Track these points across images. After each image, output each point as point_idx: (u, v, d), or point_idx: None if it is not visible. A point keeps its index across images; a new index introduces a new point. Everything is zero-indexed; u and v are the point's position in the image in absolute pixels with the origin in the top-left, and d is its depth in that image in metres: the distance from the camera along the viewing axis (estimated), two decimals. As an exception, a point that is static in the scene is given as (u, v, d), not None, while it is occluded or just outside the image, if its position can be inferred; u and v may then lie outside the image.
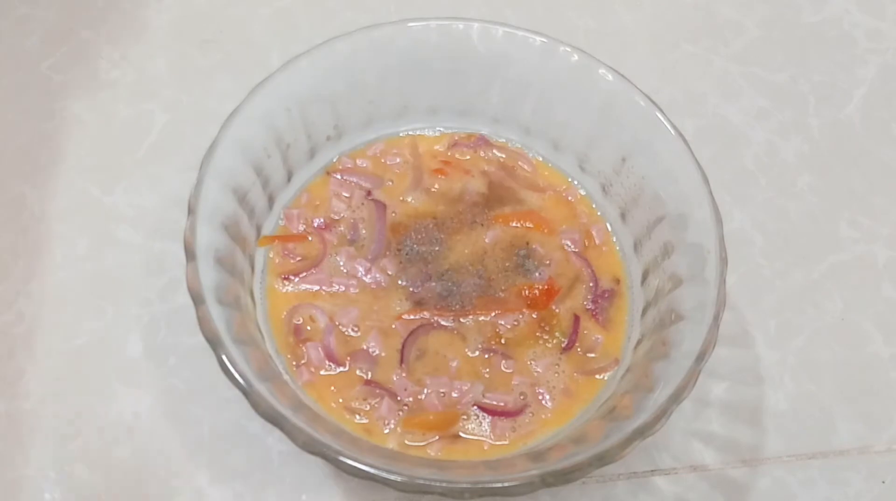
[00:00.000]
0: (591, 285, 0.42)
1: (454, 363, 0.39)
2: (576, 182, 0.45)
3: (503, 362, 0.39)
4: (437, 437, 0.38)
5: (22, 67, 0.51)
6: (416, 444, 0.37)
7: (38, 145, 0.48)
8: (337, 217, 0.43)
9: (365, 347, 0.39)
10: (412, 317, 0.40)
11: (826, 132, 0.51)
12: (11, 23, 0.52)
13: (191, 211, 0.36)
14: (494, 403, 0.39)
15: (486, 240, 0.43)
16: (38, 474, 0.39)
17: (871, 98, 0.52)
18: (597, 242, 0.43)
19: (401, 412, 0.38)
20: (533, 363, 0.40)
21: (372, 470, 0.32)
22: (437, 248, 0.42)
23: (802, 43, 0.54)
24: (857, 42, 0.55)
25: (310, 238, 0.42)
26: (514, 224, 0.43)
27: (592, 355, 0.40)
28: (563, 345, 0.40)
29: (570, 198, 0.45)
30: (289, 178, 0.43)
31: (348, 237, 0.42)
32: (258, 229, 0.41)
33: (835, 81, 0.53)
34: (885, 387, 0.44)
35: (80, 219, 0.46)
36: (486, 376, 0.39)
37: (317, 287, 0.41)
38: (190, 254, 0.35)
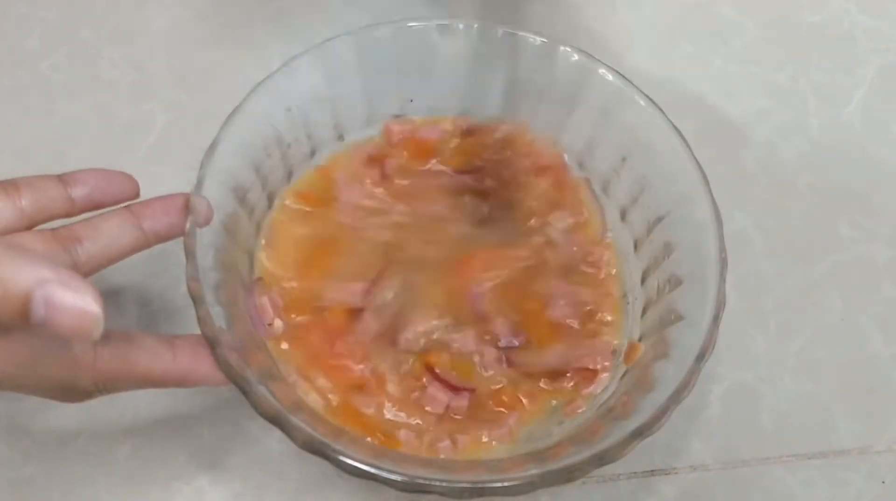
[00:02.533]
0: None
1: None
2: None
3: None
4: None
5: (22, 67, 0.51)
6: None
7: (38, 145, 0.48)
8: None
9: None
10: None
11: (826, 132, 0.51)
12: (11, 23, 0.52)
13: (191, 210, 0.36)
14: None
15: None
16: (38, 474, 0.39)
17: (871, 98, 0.52)
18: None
19: None
20: None
21: (372, 470, 0.32)
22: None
23: (802, 43, 0.54)
24: (857, 42, 0.55)
25: None
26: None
27: None
28: None
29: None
30: (288, 177, 0.43)
31: None
32: (257, 227, 0.41)
33: (835, 81, 0.53)
34: (885, 387, 0.44)
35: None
36: None
37: None
38: (189, 253, 0.35)
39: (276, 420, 0.33)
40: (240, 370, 0.33)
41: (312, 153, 0.43)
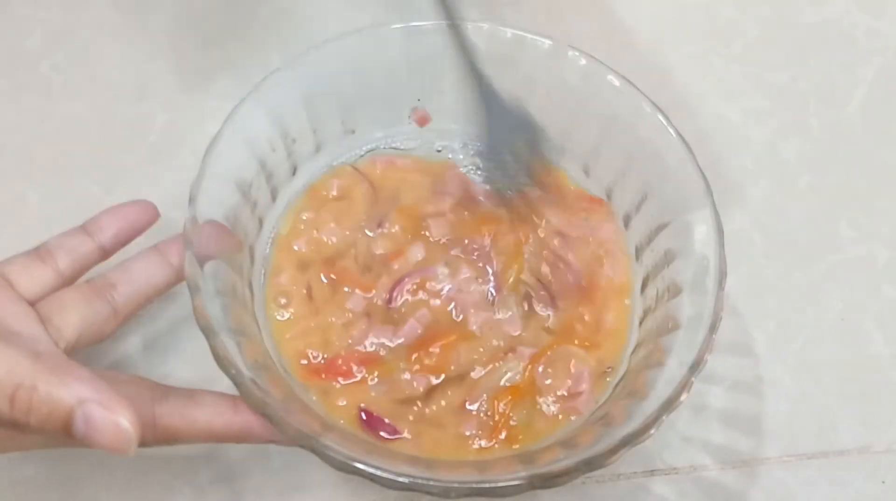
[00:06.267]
0: None
1: None
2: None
3: None
4: None
5: (22, 67, 0.51)
6: None
7: (38, 145, 0.48)
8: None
9: None
10: None
11: (826, 132, 0.51)
12: (11, 23, 0.52)
13: (192, 200, 0.36)
14: None
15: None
16: (38, 474, 0.39)
17: (871, 98, 0.52)
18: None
19: None
20: None
21: (358, 466, 0.32)
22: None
23: (802, 43, 0.54)
24: (857, 42, 0.55)
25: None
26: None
27: None
28: None
29: None
30: (293, 172, 0.43)
31: None
32: (260, 222, 0.41)
33: (835, 81, 0.53)
34: (885, 387, 0.44)
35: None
36: None
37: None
38: (189, 243, 0.35)
39: (265, 413, 0.33)
40: (233, 361, 0.33)
41: (318, 148, 0.43)
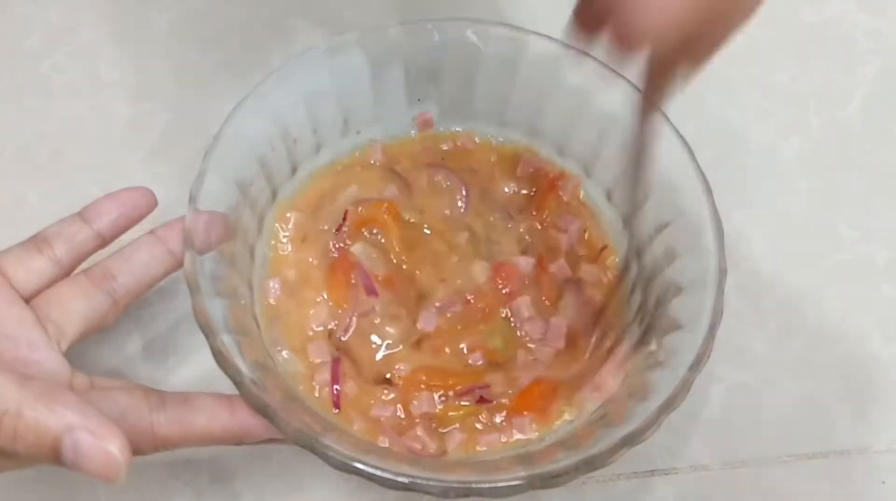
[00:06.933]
0: None
1: None
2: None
3: None
4: None
5: (22, 67, 0.51)
6: None
7: (38, 145, 0.48)
8: None
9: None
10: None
11: (826, 132, 0.51)
12: (11, 23, 0.52)
13: (191, 200, 0.36)
14: None
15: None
16: (39, 474, 0.39)
17: (871, 98, 0.52)
18: None
19: None
20: None
21: (358, 465, 0.32)
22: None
23: (802, 43, 0.54)
24: (857, 42, 0.55)
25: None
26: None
27: None
28: None
29: None
30: (293, 172, 0.43)
31: None
32: (260, 221, 0.41)
33: (835, 81, 0.53)
34: (885, 387, 0.44)
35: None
36: None
37: None
38: (188, 243, 0.35)
39: (265, 413, 0.33)
40: (233, 361, 0.33)
41: (318, 149, 0.43)
